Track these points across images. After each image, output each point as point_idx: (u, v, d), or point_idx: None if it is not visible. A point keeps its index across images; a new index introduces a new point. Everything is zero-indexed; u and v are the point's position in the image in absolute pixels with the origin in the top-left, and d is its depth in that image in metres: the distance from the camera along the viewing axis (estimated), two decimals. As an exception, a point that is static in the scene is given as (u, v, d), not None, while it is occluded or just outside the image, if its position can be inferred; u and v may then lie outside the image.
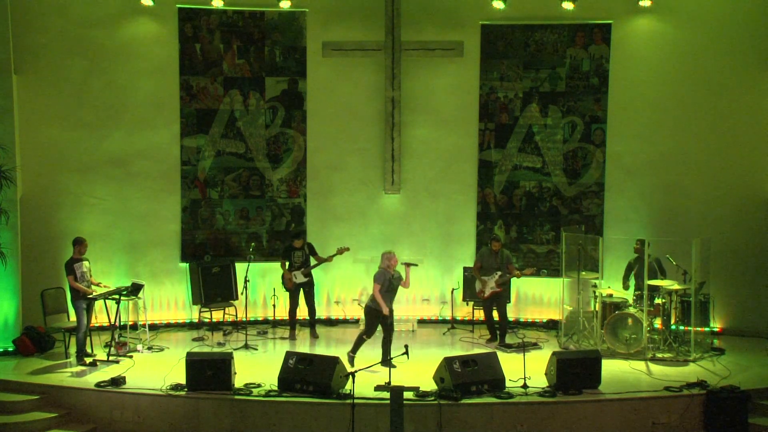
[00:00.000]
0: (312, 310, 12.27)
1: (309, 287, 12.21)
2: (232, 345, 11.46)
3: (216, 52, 12.94)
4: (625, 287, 11.87)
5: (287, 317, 12.37)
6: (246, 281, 11.84)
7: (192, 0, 12.75)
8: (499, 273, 11.63)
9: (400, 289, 12.84)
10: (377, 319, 10.47)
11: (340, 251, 12.10)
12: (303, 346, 11.54)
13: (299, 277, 12.09)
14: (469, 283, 12.67)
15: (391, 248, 12.80)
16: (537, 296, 13.16)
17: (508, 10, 12.48)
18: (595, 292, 11.43)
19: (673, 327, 11.29)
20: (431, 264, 13.18)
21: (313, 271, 12.25)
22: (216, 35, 12.92)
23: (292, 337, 12.13)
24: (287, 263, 12.16)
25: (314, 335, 12.18)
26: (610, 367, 10.14)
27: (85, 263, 10.86)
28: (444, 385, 9.30)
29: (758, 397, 9.57)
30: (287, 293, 12.25)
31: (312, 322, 12.29)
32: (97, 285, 11.03)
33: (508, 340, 11.71)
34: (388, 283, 10.41)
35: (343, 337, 12.29)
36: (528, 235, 13.21)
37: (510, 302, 12.73)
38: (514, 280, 12.50)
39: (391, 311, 10.46)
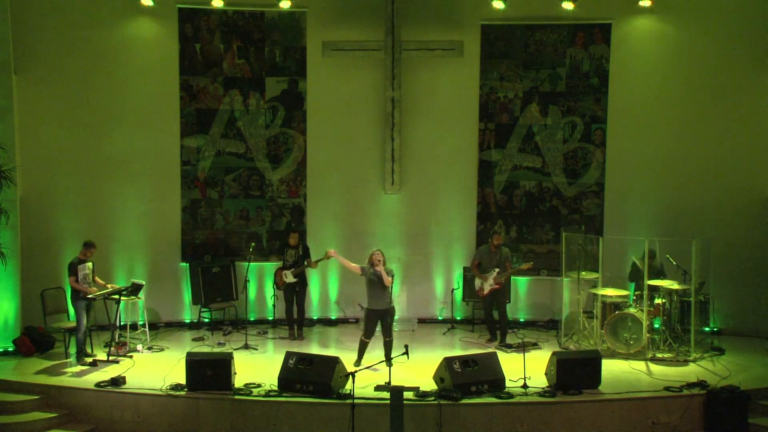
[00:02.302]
0: (301, 310, 12.21)
1: (301, 287, 12.18)
2: (232, 345, 11.45)
3: (216, 52, 12.94)
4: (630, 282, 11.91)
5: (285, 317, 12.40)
6: (246, 281, 11.84)
7: (192, 0, 12.75)
8: (497, 270, 11.64)
9: (401, 288, 12.91)
10: (374, 320, 10.49)
11: (327, 256, 12.07)
12: (299, 346, 11.48)
13: (289, 277, 12.06)
14: (469, 283, 12.67)
15: (392, 248, 12.91)
16: (537, 296, 13.15)
17: (508, 10, 12.47)
18: (595, 294, 11.42)
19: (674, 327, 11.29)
20: (431, 264, 13.20)
21: (316, 270, 12.23)
22: (216, 35, 12.92)
23: (292, 336, 12.12)
24: (281, 261, 12.17)
25: (300, 337, 12.13)
26: (610, 367, 10.15)
27: (88, 265, 10.86)
28: (444, 385, 9.30)
29: (758, 397, 9.57)
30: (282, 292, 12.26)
31: (300, 323, 12.24)
32: (104, 286, 11.04)
33: (508, 340, 11.71)
34: (368, 279, 10.44)
35: (342, 337, 12.29)
36: (528, 235, 13.21)
37: (510, 302, 12.73)
38: (513, 279, 12.54)
39: (384, 310, 10.42)
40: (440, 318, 13.12)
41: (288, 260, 12.13)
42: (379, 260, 10.37)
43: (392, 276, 10.45)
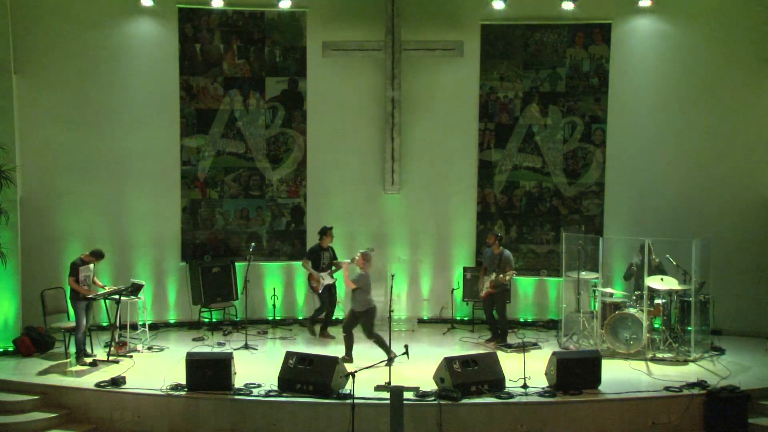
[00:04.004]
0: (333, 310, 12.20)
1: (334, 288, 12.16)
2: (232, 345, 11.45)
3: (216, 52, 12.94)
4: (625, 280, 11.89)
5: (308, 316, 12.36)
6: (246, 281, 11.83)
7: (192, 0, 12.75)
8: (494, 274, 11.65)
9: (401, 288, 12.89)
10: (348, 318, 10.82)
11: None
12: (317, 347, 11.45)
13: (327, 279, 12.00)
14: (469, 283, 12.69)
15: (391, 248, 12.95)
16: (537, 296, 13.15)
17: (508, 10, 12.47)
18: (595, 293, 11.42)
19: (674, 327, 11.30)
20: (431, 264, 13.20)
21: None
22: (216, 35, 12.92)
23: (314, 333, 12.03)
24: (309, 263, 12.03)
25: (330, 336, 12.03)
26: (610, 367, 10.13)
27: (90, 266, 10.86)
28: (444, 385, 9.30)
29: (758, 397, 9.56)
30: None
31: (329, 323, 12.17)
32: (102, 287, 11.05)
33: (508, 340, 11.71)
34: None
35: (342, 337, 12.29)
36: (528, 235, 13.21)
37: (510, 302, 12.75)
38: (514, 279, 12.57)
39: (360, 313, 10.66)
40: (440, 318, 13.11)
41: (324, 262, 12.03)
42: (349, 262, 10.80)
43: (360, 282, 10.59)
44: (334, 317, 12.36)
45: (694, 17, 12.61)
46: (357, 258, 10.78)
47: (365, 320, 10.66)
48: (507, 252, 11.87)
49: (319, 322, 12.22)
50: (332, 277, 12.09)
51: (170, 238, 12.95)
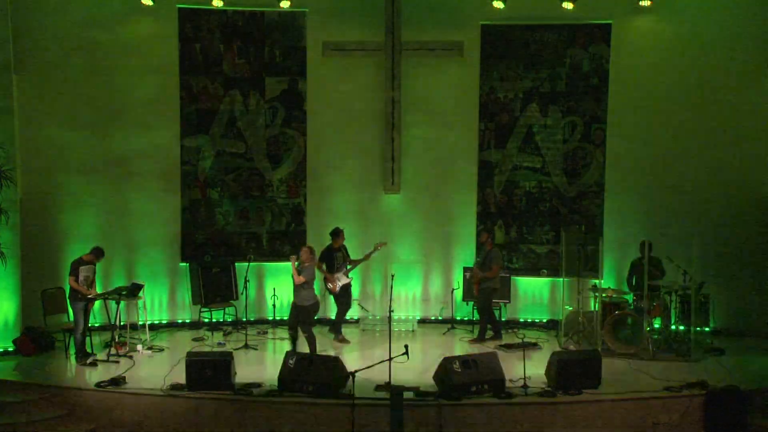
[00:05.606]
0: (347, 310, 12.17)
1: (349, 287, 12.11)
2: (232, 345, 11.46)
3: (216, 52, 12.94)
4: (630, 288, 11.82)
5: (333, 319, 12.22)
6: (246, 281, 11.83)
7: (192, 0, 12.75)
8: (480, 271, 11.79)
9: (401, 288, 12.88)
10: (292, 312, 10.88)
11: (378, 247, 11.98)
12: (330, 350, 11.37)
13: (343, 279, 11.94)
14: (469, 283, 12.68)
15: (391, 248, 12.90)
16: (537, 296, 13.16)
17: (508, 10, 12.47)
18: (595, 293, 11.42)
19: (673, 327, 11.31)
20: (431, 264, 13.20)
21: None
22: (216, 35, 12.92)
23: (344, 341, 11.80)
24: (324, 265, 11.93)
25: (346, 340, 11.88)
26: (610, 367, 10.14)
27: (91, 266, 10.85)
28: (444, 385, 9.30)
29: (758, 397, 9.56)
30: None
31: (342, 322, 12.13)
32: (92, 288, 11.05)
33: (507, 339, 11.73)
34: None
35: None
36: (528, 235, 13.21)
37: (510, 302, 12.77)
38: (513, 279, 12.57)
39: (295, 305, 10.78)
40: (440, 318, 13.12)
41: (338, 263, 11.95)
42: (297, 257, 10.81)
43: (306, 275, 10.62)
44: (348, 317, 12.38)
45: (694, 17, 12.59)
46: (303, 251, 10.80)
47: (305, 315, 10.66)
48: (495, 249, 11.95)
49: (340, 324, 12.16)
50: (348, 276, 12.04)
51: (170, 238, 12.95)
